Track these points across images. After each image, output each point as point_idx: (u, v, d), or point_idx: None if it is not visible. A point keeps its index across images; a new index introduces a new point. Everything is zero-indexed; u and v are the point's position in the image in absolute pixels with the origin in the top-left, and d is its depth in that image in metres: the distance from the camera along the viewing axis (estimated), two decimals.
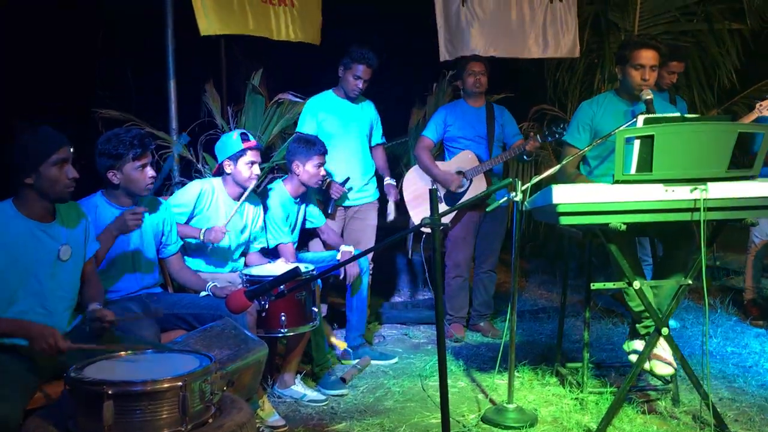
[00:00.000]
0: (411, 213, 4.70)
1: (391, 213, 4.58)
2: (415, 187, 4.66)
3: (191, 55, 4.81)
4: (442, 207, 4.46)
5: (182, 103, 4.65)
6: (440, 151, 4.83)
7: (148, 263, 3.19)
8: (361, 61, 4.26)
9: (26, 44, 5.50)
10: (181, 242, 3.38)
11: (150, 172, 3.02)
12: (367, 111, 4.53)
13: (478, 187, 4.50)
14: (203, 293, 3.24)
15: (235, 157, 3.56)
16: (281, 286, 2.49)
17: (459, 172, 4.51)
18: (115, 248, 3.04)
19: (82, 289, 2.70)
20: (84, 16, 5.21)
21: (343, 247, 4.04)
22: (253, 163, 3.57)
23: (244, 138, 3.59)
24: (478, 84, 4.51)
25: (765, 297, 4.95)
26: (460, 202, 4.48)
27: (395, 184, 4.63)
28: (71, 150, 2.48)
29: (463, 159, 4.53)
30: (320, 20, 4.95)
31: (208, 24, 4.22)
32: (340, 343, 4.18)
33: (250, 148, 3.57)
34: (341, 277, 4.01)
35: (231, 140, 3.61)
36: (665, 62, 4.36)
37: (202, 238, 3.44)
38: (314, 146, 3.89)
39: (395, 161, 5.79)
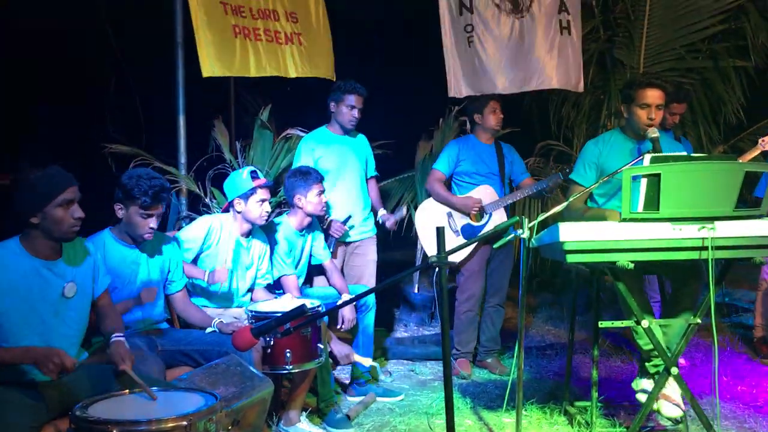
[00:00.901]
0: (424, 246, 4.70)
1: (390, 218, 4.55)
2: (430, 220, 4.61)
3: (200, 90, 4.87)
4: (459, 240, 4.46)
5: (191, 137, 4.70)
6: (448, 186, 4.81)
7: (156, 305, 3.20)
8: (352, 91, 4.32)
9: (37, 78, 5.59)
10: (187, 279, 3.39)
11: (153, 223, 3.02)
12: (362, 145, 4.56)
13: (498, 221, 4.53)
14: (209, 329, 3.23)
15: (245, 196, 3.58)
16: (287, 324, 2.49)
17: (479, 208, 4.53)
18: (122, 284, 3.06)
19: (100, 323, 2.71)
20: (96, 52, 5.30)
21: (344, 296, 4.02)
22: (263, 201, 3.59)
23: (254, 176, 3.61)
24: (500, 122, 4.58)
25: None
26: (473, 237, 4.48)
27: (388, 213, 4.63)
28: (78, 190, 2.49)
29: (483, 193, 4.54)
30: (332, 55, 5.02)
31: (211, 66, 4.30)
32: (364, 360, 4.02)
33: (260, 186, 3.59)
34: (338, 326, 3.99)
35: (241, 178, 3.63)
36: (667, 103, 4.38)
37: (206, 279, 3.45)
38: (311, 176, 3.91)
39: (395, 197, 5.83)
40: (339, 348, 3.83)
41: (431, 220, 4.58)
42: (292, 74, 4.75)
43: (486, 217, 4.53)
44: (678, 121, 4.85)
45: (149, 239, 3.10)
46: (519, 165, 4.72)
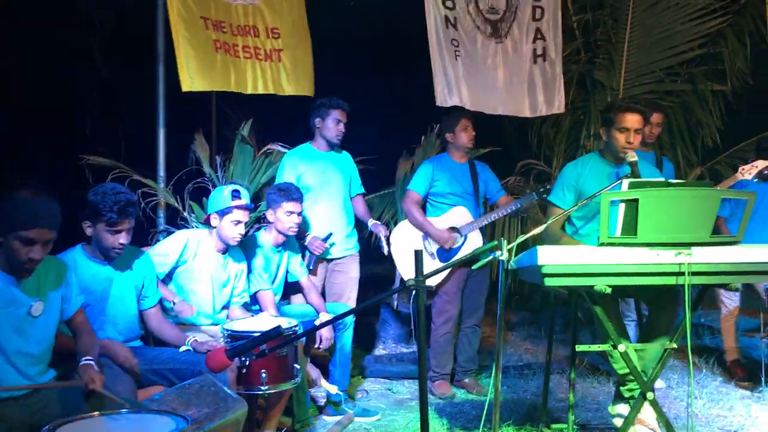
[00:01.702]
0: (399, 268, 4.63)
1: (385, 248, 4.49)
2: (405, 242, 4.58)
3: (182, 103, 4.84)
4: (435, 263, 4.44)
5: (171, 150, 4.66)
6: (422, 207, 4.77)
7: (128, 316, 3.15)
8: (336, 106, 4.34)
9: (18, 89, 5.53)
10: (161, 295, 3.34)
11: (122, 238, 2.97)
12: (346, 162, 4.55)
13: (473, 243, 4.51)
14: (183, 348, 3.19)
15: (222, 213, 3.55)
16: (263, 345, 2.46)
17: (453, 229, 4.50)
18: (94, 300, 3.01)
19: (75, 342, 2.67)
20: (78, 64, 5.26)
21: (322, 315, 3.99)
22: (239, 222, 3.56)
23: (235, 195, 3.58)
24: (472, 140, 4.56)
25: (748, 358, 4.94)
26: (451, 260, 4.46)
27: (379, 222, 4.61)
28: (48, 234, 2.41)
29: (457, 215, 4.52)
30: (312, 72, 5.01)
31: (191, 80, 4.28)
32: (331, 387, 4.04)
33: (238, 207, 3.56)
34: (316, 345, 3.96)
35: (221, 195, 3.61)
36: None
37: (173, 306, 3.41)
38: (285, 193, 3.88)
39: (376, 213, 5.81)
40: (310, 371, 3.81)
41: (406, 242, 4.55)
42: (271, 91, 4.73)
43: (461, 240, 4.51)
44: (658, 132, 4.85)
45: (120, 255, 3.06)
46: (494, 183, 4.70)
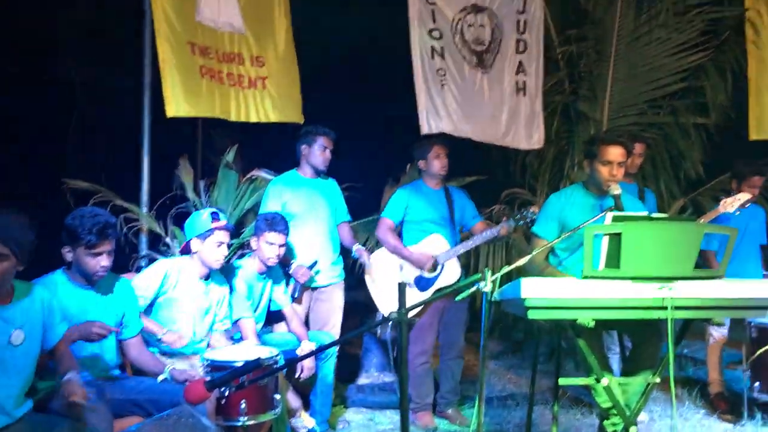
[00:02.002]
0: (374, 298, 4.53)
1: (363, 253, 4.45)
2: (380, 271, 4.50)
3: (167, 127, 4.83)
4: (412, 292, 4.38)
5: (155, 175, 4.64)
6: (398, 235, 4.67)
7: (107, 345, 3.09)
8: (323, 133, 4.34)
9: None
10: (141, 325, 3.29)
11: (104, 261, 2.93)
12: (332, 189, 4.53)
13: (450, 271, 4.45)
14: (161, 377, 3.14)
15: (203, 237, 3.53)
16: (242, 377, 2.43)
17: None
18: (73, 324, 2.95)
19: (57, 367, 2.62)
20: (61, 87, 5.25)
21: (304, 343, 3.95)
22: (221, 243, 3.54)
23: (215, 217, 3.57)
24: (445, 167, 4.53)
25: (731, 390, 4.94)
26: (432, 290, 4.42)
27: (363, 248, 4.57)
28: (5, 249, 2.37)
29: (433, 243, 4.47)
30: (300, 99, 5.02)
31: (177, 106, 4.29)
32: (309, 420, 4.00)
33: (218, 228, 3.54)
34: (296, 375, 3.92)
35: (200, 219, 3.58)
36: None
37: (161, 338, 3.37)
38: (269, 224, 3.86)
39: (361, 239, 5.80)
40: (291, 399, 3.76)
41: (381, 272, 4.48)
42: (253, 119, 4.74)
43: (439, 269, 4.44)
44: (640, 163, 4.90)
45: (103, 277, 3.02)
46: (470, 209, 4.66)
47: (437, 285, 4.42)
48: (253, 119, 4.74)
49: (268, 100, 4.79)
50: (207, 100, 4.47)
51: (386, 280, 4.46)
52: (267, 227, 3.86)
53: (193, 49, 4.45)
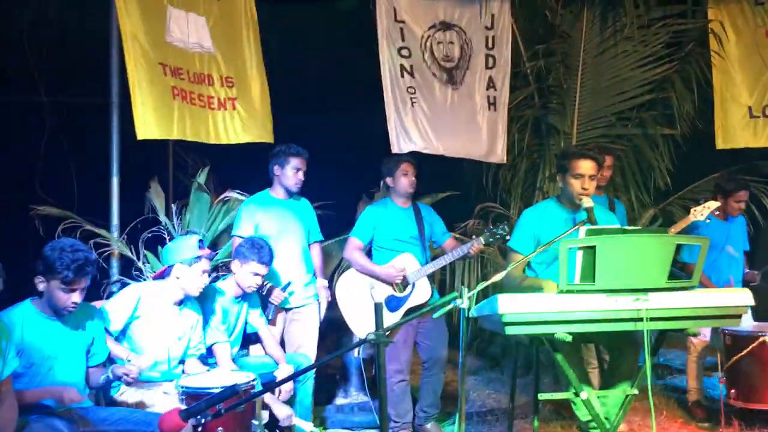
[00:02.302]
0: (347, 319, 4.47)
1: (321, 314, 4.45)
2: (350, 292, 4.45)
3: (137, 149, 4.77)
4: (384, 312, 4.31)
5: (126, 198, 4.58)
6: (367, 255, 4.63)
7: (78, 374, 3.03)
8: (296, 154, 4.30)
9: None
10: (108, 350, 3.22)
11: (76, 297, 2.89)
12: (305, 209, 4.50)
13: (421, 289, 4.40)
14: (102, 378, 3.07)
15: (189, 263, 3.49)
16: (219, 405, 2.38)
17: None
18: (41, 359, 2.90)
19: None
20: (29, 111, 5.17)
21: (282, 366, 3.90)
22: (205, 272, 3.52)
23: (201, 245, 3.57)
24: (413, 185, 4.50)
25: (708, 398, 4.98)
26: (404, 309, 4.38)
27: (327, 285, 4.55)
28: None
29: (404, 262, 4.41)
30: (270, 119, 4.99)
31: (146, 128, 4.24)
32: (304, 424, 3.85)
33: (206, 257, 3.53)
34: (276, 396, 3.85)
35: (188, 244, 3.56)
36: None
37: (126, 362, 3.27)
38: (257, 254, 3.82)
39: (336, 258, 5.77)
40: (280, 410, 3.67)
41: (353, 294, 4.43)
42: (224, 140, 4.71)
43: (410, 288, 4.40)
44: (610, 175, 4.95)
45: (71, 312, 2.95)
46: (439, 225, 4.63)
47: (409, 304, 4.37)
48: (224, 141, 4.70)
49: (237, 121, 4.76)
50: (179, 122, 4.42)
51: (358, 302, 4.41)
52: (255, 257, 3.81)
53: (165, 70, 4.40)
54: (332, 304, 4.64)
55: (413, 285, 4.39)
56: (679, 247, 4.48)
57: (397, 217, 4.48)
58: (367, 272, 4.42)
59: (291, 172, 4.29)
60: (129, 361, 3.27)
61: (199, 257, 3.51)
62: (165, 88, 4.38)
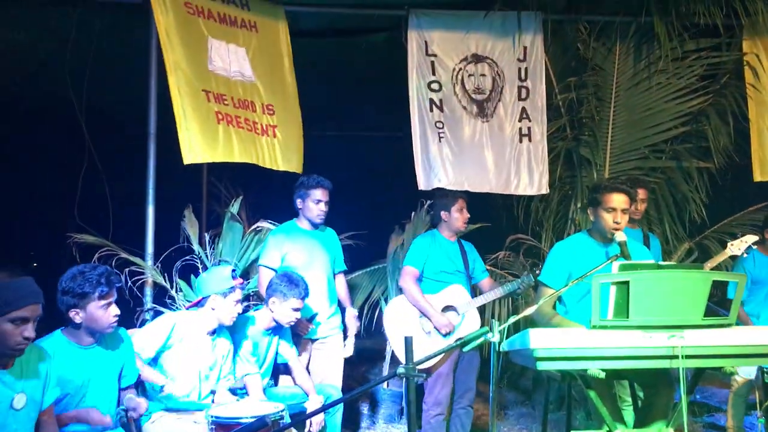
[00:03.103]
0: (393, 346, 4.46)
1: (350, 348, 4.45)
2: (399, 318, 4.43)
3: (172, 179, 4.86)
4: (432, 341, 4.31)
5: (160, 227, 4.65)
6: None
7: (110, 401, 3.06)
8: (317, 185, 4.31)
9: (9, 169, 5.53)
10: (138, 372, 3.26)
11: (114, 310, 2.95)
12: (331, 240, 4.52)
13: (471, 321, 4.41)
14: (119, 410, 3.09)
15: (224, 294, 3.53)
16: None
17: (448, 307, 4.42)
18: (74, 389, 2.93)
19: None
20: (69, 142, 5.30)
21: (312, 396, 3.90)
22: (238, 302, 3.56)
23: (234, 276, 3.60)
24: (466, 222, 4.55)
25: None
26: (453, 339, 4.36)
27: (358, 314, 4.54)
28: (39, 309, 2.40)
29: (454, 293, 4.43)
30: (302, 149, 5.06)
31: (193, 153, 4.30)
32: None
33: (238, 287, 3.58)
34: (306, 430, 3.84)
35: (222, 275, 3.61)
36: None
37: (163, 389, 3.32)
38: (296, 288, 3.84)
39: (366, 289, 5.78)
40: None
41: (401, 319, 4.41)
42: (268, 165, 4.79)
43: (459, 318, 4.41)
44: (644, 208, 4.89)
45: (114, 327, 3.00)
46: (480, 263, 4.68)
47: (458, 334, 4.36)
48: (268, 165, 4.78)
49: (278, 148, 4.84)
50: (225, 145, 4.50)
51: (406, 330, 4.37)
52: (295, 294, 3.84)
53: (209, 96, 4.49)
54: (362, 332, 4.64)
55: (463, 316, 4.40)
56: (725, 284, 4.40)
57: (445, 250, 4.52)
58: (419, 308, 4.39)
59: (313, 205, 4.32)
60: (163, 387, 3.30)
61: (233, 288, 3.55)
62: (209, 113, 4.46)
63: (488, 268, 5.80)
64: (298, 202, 4.37)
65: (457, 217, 4.51)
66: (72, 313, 2.90)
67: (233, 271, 3.63)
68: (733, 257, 4.49)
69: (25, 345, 2.39)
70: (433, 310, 4.36)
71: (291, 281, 3.87)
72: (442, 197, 4.68)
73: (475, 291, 4.69)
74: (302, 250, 4.31)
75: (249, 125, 4.71)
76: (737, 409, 4.74)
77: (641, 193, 4.77)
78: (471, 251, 4.66)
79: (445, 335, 4.36)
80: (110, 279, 2.93)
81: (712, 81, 5.76)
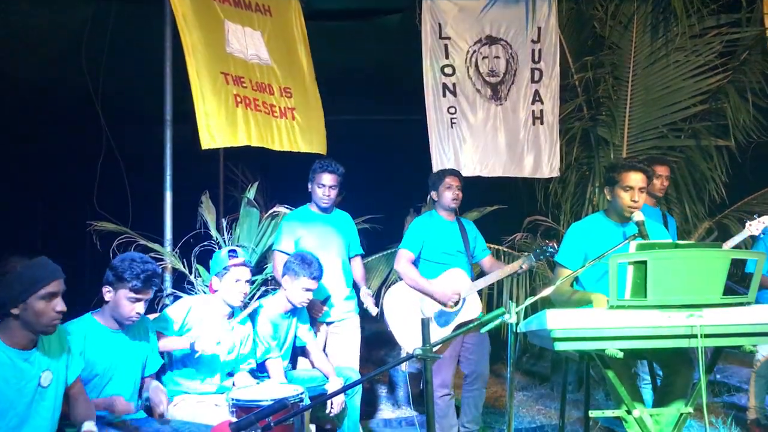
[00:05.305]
0: (394, 333, 4.40)
1: (371, 307, 4.36)
2: (399, 305, 4.39)
3: (189, 165, 4.88)
4: (433, 326, 4.30)
5: (178, 214, 4.67)
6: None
7: (133, 385, 3.12)
8: (324, 170, 4.30)
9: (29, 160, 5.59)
10: (161, 363, 3.31)
11: (139, 307, 3.01)
12: (345, 223, 4.52)
13: (471, 305, 4.38)
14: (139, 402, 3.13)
15: (220, 275, 3.55)
16: (268, 418, 2.41)
17: None
18: (103, 370, 3.00)
19: (71, 411, 2.65)
20: (87, 130, 5.35)
21: (332, 378, 3.93)
22: (238, 280, 3.56)
23: (232, 255, 3.61)
24: (457, 199, 4.46)
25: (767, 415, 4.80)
26: (453, 325, 4.34)
27: (372, 293, 4.54)
28: (62, 283, 2.46)
29: (454, 277, 4.38)
30: (324, 131, 5.07)
31: (211, 138, 4.29)
32: None
33: (235, 265, 3.56)
34: (327, 411, 3.87)
35: (219, 257, 3.63)
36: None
37: (194, 346, 3.33)
38: (307, 268, 3.85)
39: (383, 272, 5.79)
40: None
41: (401, 307, 4.36)
42: (287, 148, 4.79)
43: (460, 303, 4.34)
44: (666, 185, 4.85)
45: (133, 323, 3.06)
46: (481, 241, 4.60)
47: (458, 320, 4.34)
48: (287, 148, 4.78)
49: (297, 130, 4.85)
50: (244, 129, 4.49)
51: (407, 316, 4.36)
52: (306, 273, 3.83)
53: (227, 79, 4.47)
54: (379, 317, 4.65)
55: (463, 300, 4.36)
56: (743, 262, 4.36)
57: (443, 230, 4.47)
58: (419, 289, 4.35)
59: (318, 189, 4.32)
60: (193, 345, 3.31)
61: (227, 267, 3.55)
62: (227, 96, 4.43)
63: (505, 249, 5.80)
64: (309, 186, 4.39)
65: (446, 194, 4.44)
66: (105, 289, 3.00)
67: (231, 251, 3.63)
68: (753, 237, 4.45)
69: (58, 320, 2.46)
70: (434, 287, 4.30)
71: (304, 260, 3.88)
72: (431, 177, 4.61)
73: (477, 272, 4.65)
74: (315, 234, 4.33)
75: (267, 108, 4.71)
76: (759, 389, 4.70)
77: (664, 170, 4.73)
78: (471, 230, 4.59)
79: (447, 315, 4.33)
80: (149, 279, 2.98)
81: (731, 57, 5.68)
